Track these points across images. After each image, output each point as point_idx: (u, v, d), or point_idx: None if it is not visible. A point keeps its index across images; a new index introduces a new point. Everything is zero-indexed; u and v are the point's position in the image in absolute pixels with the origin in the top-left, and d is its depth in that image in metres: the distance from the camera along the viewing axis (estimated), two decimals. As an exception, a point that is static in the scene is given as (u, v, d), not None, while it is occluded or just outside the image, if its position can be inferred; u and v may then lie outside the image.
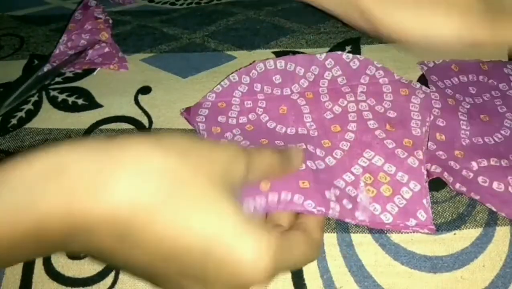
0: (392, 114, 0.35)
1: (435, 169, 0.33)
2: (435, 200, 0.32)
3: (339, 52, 0.38)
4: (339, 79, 0.37)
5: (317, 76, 0.37)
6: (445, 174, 0.32)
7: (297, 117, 0.36)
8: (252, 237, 0.22)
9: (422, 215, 0.30)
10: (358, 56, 0.37)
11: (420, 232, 0.30)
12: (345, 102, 0.36)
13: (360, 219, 0.29)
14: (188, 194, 0.21)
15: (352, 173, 0.31)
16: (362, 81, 0.37)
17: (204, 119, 0.36)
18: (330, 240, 0.30)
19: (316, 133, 0.34)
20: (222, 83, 0.38)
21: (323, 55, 0.38)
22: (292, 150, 0.29)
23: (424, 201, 0.30)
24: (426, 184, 0.31)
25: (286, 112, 0.36)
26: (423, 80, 0.39)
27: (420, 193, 0.30)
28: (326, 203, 0.29)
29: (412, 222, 0.29)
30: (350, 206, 0.30)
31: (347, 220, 0.30)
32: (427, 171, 0.33)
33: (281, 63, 0.38)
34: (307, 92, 0.37)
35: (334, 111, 0.36)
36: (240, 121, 0.36)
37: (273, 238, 0.23)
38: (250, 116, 0.37)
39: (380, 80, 0.37)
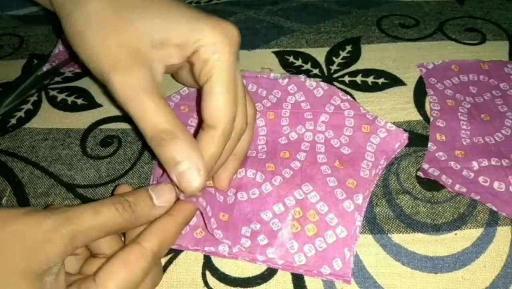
0: (346, 150, 0.34)
1: (433, 172, 0.33)
2: (435, 200, 0.32)
3: (302, 79, 0.37)
4: (302, 104, 0.36)
5: (279, 99, 0.37)
6: (443, 177, 0.32)
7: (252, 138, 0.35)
8: None
9: (337, 264, 0.29)
10: (322, 84, 0.37)
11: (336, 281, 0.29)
12: (303, 130, 0.35)
13: (270, 257, 0.29)
14: None
15: (284, 204, 0.31)
16: (326, 109, 0.36)
17: None
18: (331, 240, 0.30)
19: (264, 156, 0.34)
20: None
21: (286, 80, 0.37)
22: (142, 193, 0.27)
23: (346, 250, 0.29)
24: (355, 233, 0.30)
25: None
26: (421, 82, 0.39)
27: (344, 241, 0.29)
28: (236, 239, 0.29)
29: (326, 269, 0.29)
30: (265, 242, 0.29)
31: (257, 255, 0.29)
32: (425, 171, 0.33)
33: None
34: (269, 112, 0.36)
35: (289, 138, 0.35)
36: None
37: None
38: None
39: (345, 112, 0.36)
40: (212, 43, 0.26)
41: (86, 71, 0.42)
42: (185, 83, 0.33)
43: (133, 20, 0.27)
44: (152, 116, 0.25)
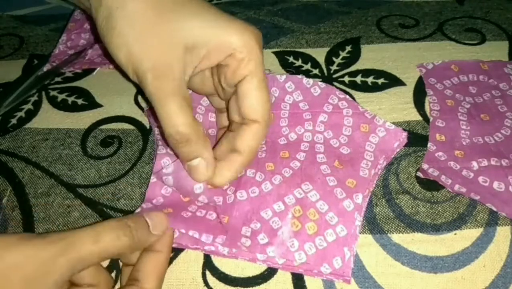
0: (345, 150, 0.34)
1: (433, 172, 0.33)
2: (435, 200, 0.32)
3: (299, 76, 0.37)
4: (300, 104, 0.36)
5: (277, 98, 0.37)
6: (443, 178, 0.32)
7: None
8: None
9: (337, 263, 0.29)
10: (319, 83, 0.37)
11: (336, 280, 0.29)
12: (302, 130, 0.35)
13: (270, 255, 0.29)
14: None
15: (284, 202, 0.31)
16: (325, 109, 0.36)
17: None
18: (331, 240, 0.30)
19: (263, 155, 0.34)
20: None
21: (283, 77, 0.37)
22: (141, 219, 0.28)
23: (346, 249, 0.29)
24: (355, 232, 0.30)
25: None
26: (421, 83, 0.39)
27: (344, 239, 0.29)
28: (236, 239, 0.30)
29: (326, 268, 0.29)
30: (265, 240, 0.30)
31: (257, 254, 0.29)
32: (424, 171, 0.33)
33: None
34: None
35: (288, 138, 0.35)
36: None
37: None
38: (210, 131, 0.36)
39: (344, 111, 0.36)
40: (244, 45, 0.29)
41: (86, 72, 0.42)
42: (197, 89, 0.34)
43: (171, 24, 0.28)
44: (174, 118, 0.28)
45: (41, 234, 0.25)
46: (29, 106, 0.40)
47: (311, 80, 0.37)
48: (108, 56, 0.43)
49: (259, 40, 0.30)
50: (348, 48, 0.43)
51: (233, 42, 0.29)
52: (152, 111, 0.37)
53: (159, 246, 0.28)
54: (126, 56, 0.28)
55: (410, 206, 0.32)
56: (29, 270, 0.23)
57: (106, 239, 0.25)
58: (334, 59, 0.42)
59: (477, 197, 0.31)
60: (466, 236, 0.30)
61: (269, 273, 0.30)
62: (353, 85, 0.39)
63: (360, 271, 0.29)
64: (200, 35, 0.28)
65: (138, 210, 0.31)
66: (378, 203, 0.32)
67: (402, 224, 0.31)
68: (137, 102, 0.39)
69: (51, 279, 0.23)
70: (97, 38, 0.43)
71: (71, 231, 0.25)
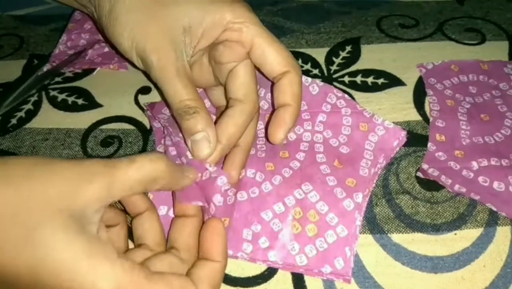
0: (344, 149, 0.34)
1: (433, 172, 0.33)
2: (435, 200, 0.32)
3: None
4: None
5: None
6: (443, 178, 0.32)
7: None
8: (93, 269, 0.22)
9: (339, 263, 0.29)
10: (317, 81, 0.37)
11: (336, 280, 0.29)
12: (301, 130, 0.35)
13: (272, 260, 0.29)
14: (17, 227, 0.22)
15: (284, 203, 0.31)
16: (323, 108, 0.36)
17: (164, 118, 0.35)
18: (331, 240, 0.30)
19: (263, 154, 0.34)
20: None
21: None
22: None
23: (347, 248, 0.29)
24: (355, 231, 0.30)
25: None
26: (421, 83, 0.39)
27: (345, 240, 0.29)
28: (238, 245, 0.29)
29: (327, 269, 0.29)
30: (266, 244, 0.30)
31: (257, 262, 0.29)
32: (424, 171, 0.33)
33: None
34: (266, 115, 0.36)
35: (288, 138, 0.35)
36: None
37: (120, 268, 0.23)
38: None
39: (342, 110, 0.36)
40: (237, 17, 0.30)
41: (86, 72, 0.43)
42: (196, 80, 0.34)
43: (168, 8, 0.31)
44: (179, 94, 0.29)
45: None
46: (29, 106, 0.40)
47: (309, 79, 0.37)
48: (110, 54, 0.43)
49: (250, 10, 0.31)
50: (348, 48, 0.43)
51: (226, 16, 0.30)
52: (151, 107, 0.37)
53: (214, 255, 0.28)
54: (129, 42, 0.30)
55: (410, 206, 0.32)
56: (71, 177, 0.23)
57: (140, 160, 0.25)
58: (334, 59, 0.42)
59: (477, 197, 0.31)
60: (466, 236, 0.30)
61: (269, 273, 0.30)
62: (353, 85, 0.40)
63: (360, 271, 0.29)
64: (195, 16, 0.30)
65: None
66: (378, 203, 0.32)
67: (402, 224, 0.31)
68: (137, 102, 0.39)
69: (90, 192, 0.23)
70: (101, 36, 0.44)
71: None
